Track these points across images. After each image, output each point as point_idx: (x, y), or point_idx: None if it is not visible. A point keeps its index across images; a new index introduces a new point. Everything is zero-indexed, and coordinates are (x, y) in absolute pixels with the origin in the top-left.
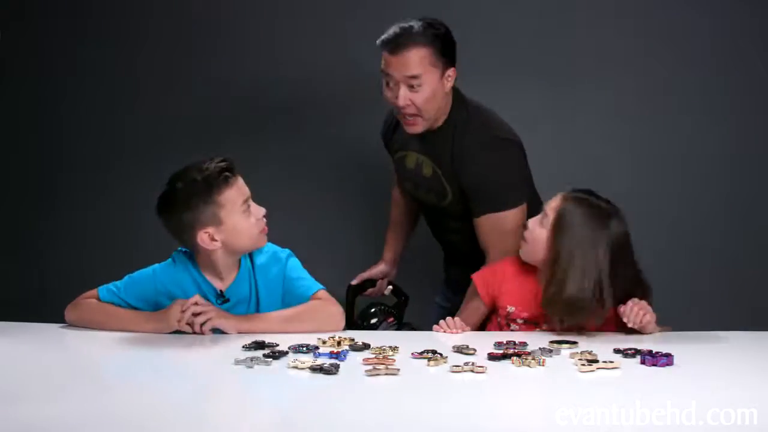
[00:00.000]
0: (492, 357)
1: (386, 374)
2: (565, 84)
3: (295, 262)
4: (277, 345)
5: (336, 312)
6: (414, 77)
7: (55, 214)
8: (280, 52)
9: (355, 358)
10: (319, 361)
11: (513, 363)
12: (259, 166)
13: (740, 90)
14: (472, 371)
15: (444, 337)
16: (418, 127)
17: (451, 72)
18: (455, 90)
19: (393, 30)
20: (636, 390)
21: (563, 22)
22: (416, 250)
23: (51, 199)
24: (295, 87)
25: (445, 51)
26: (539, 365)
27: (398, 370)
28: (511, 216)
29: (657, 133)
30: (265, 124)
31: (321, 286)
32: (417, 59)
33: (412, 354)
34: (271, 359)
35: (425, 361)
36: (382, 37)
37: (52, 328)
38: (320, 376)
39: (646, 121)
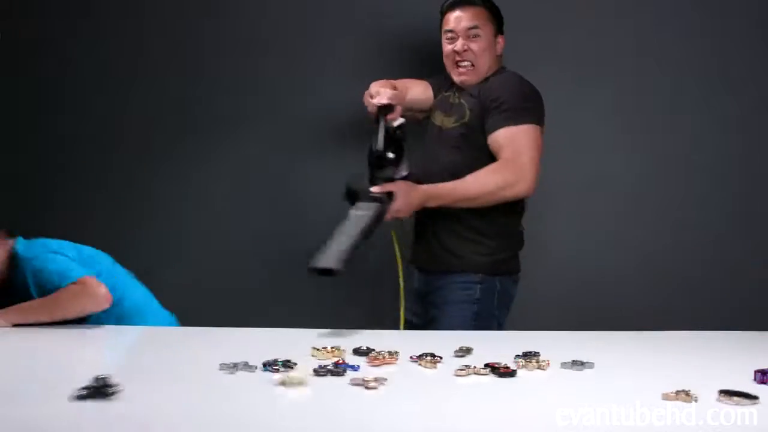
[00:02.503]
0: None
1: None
2: (566, 84)
3: (49, 256)
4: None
5: (99, 293)
6: (473, 27)
7: (55, 214)
8: (280, 51)
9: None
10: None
11: (519, 367)
12: (259, 165)
13: (742, 90)
14: (476, 374)
15: (444, 340)
16: (470, 76)
17: (500, 39)
18: (502, 65)
19: None
20: (636, 390)
21: (564, 22)
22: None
23: (51, 199)
24: (296, 86)
25: (497, 17)
26: (547, 367)
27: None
28: (527, 130)
29: (658, 134)
30: (265, 124)
31: (82, 274)
32: (475, 13)
33: (411, 357)
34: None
35: (424, 364)
36: (446, 2)
37: (52, 328)
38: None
39: (648, 122)
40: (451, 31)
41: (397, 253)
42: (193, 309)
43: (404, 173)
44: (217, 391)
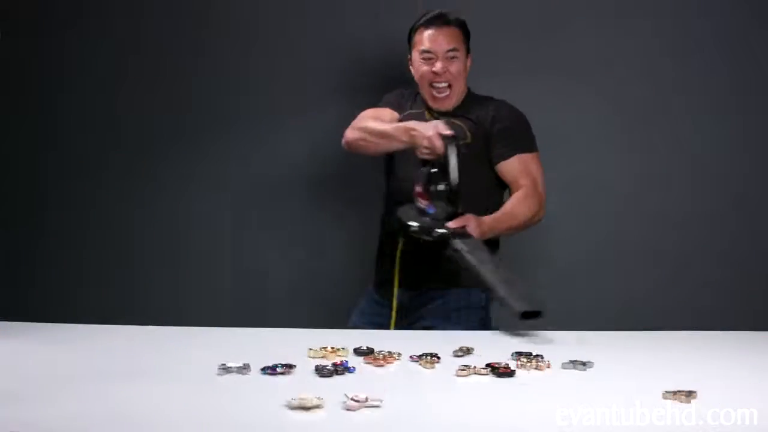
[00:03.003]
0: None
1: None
2: (567, 84)
3: None
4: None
5: None
6: (453, 50)
7: (55, 214)
8: (279, 51)
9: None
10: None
11: (518, 366)
12: (258, 166)
13: (744, 89)
14: (476, 374)
15: (443, 339)
16: (449, 101)
17: (469, 59)
18: (468, 87)
19: (432, 13)
20: (636, 390)
21: (564, 23)
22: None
23: (51, 198)
24: (296, 86)
25: (468, 37)
26: (547, 368)
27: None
28: (537, 158)
29: (660, 134)
30: (264, 124)
31: None
32: (453, 34)
33: (411, 357)
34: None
35: (424, 363)
36: (423, 18)
37: (52, 328)
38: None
39: (650, 121)
40: (428, 51)
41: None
42: (193, 309)
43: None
44: (214, 392)
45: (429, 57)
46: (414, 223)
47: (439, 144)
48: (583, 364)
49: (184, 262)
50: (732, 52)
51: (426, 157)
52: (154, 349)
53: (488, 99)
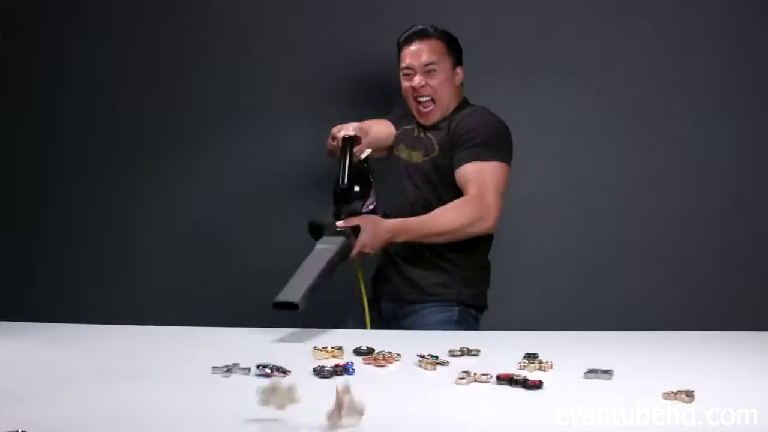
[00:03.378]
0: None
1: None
2: (567, 84)
3: None
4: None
5: None
6: (430, 63)
7: (56, 214)
8: (279, 51)
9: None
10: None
11: (520, 368)
12: (257, 165)
13: (743, 89)
14: (476, 381)
15: (443, 340)
16: (433, 115)
17: (459, 70)
18: (464, 98)
19: (413, 28)
20: (636, 390)
21: (564, 22)
22: None
23: (51, 198)
24: (297, 86)
25: (455, 49)
26: (550, 369)
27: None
28: (495, 168)
29: (660, 134)
30: (264, 124)
31: None
32: (432, 47)
33: (419, 357)
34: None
35: (424, 365)
36: (404, 34)
37: (52, 328)
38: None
39: (650, 121)
40: (407, 67)
41: (361, 284)
42: (193, 308)
43: (371, 207)
44: (214, 392)
45: (408, 72)
46: (313, 221)
47: (334, 143)
48: (606, 372)
49: (184, 262)
50: (732, 52)
51: (330, 154)
52: (154, 349)
53: (470, 108)
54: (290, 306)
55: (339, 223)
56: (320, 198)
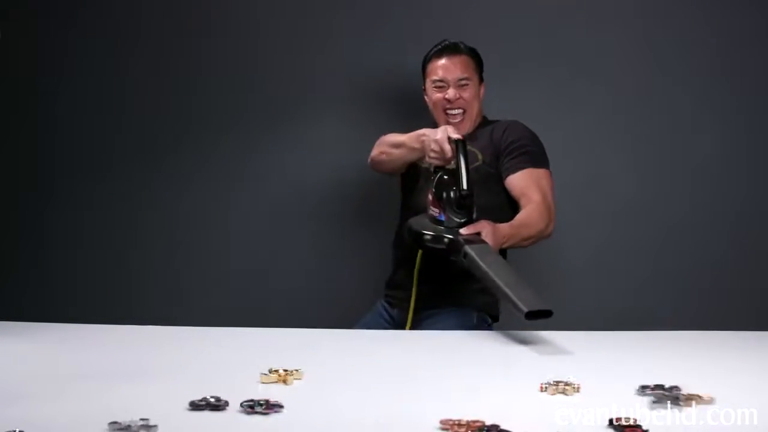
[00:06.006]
0: None
1: None
2: (567, 84)
3: None
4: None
5: None
6: (465, 78)
7: (55, 214)
8: (279, 50)
9: None
10: None
11: (543, 390)
12: (257, 165)
13: (742, 90)
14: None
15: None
16: (463, 126)
17: (482, 87)
18: (483, 114)
19: (444, 43)
20: (636, 390)
21: (564, 22)
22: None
23: (51, 198)
24: (297, 85)
25: (480, 66)
26: (575, 392)
27: None
28: (546, 175)
29: (659, 134)
30: (263, 123)
31: None
32: (464, 63)
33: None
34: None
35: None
36: (434, 49)
37: (52, 328)
38: None
39: (650, 121)
40: (440, 80)
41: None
42: (193, 308)
43: (475, 214)
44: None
45: (441, 85)
46: (427, 232)
47: (447, 147)
48: (677, 398)
49: (184, 262)
50: (733, 52)
51: (435, 162)
52: (154, 349)
53: (501, 121)
54: (544, 314)
55: (463, 231)
56: (321, 197)
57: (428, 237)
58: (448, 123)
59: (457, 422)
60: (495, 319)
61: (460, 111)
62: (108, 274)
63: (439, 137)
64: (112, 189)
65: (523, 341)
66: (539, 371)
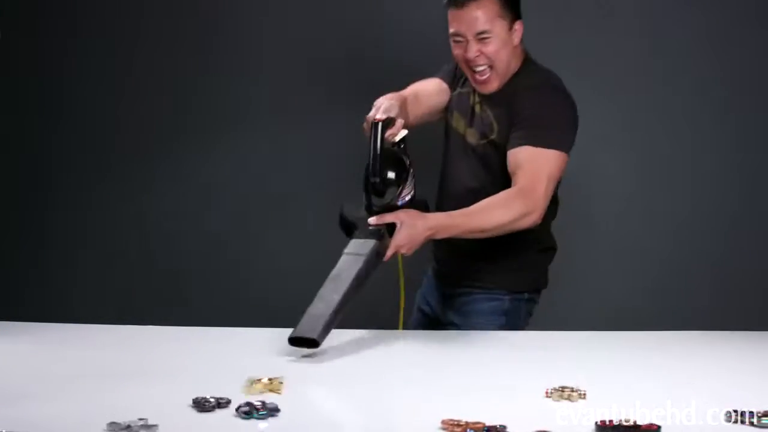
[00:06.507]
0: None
1: None
2: (567, 84)
3: None
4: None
5: None
6: (482, 32)
7: (55, 214)
8: (278, 49)
9: None
10: None
11: (549, 396)
12: (257, 166)
13: (742, 90)
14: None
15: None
16: (492, 84)
17: (518, 25)
18: (526, 55)
19: None
20: (636, 390)
21: (563, 22)
22: None
23: (51, 198)
24: (297, 85)
25: (510, 3)
26: (580, 398)
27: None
28: (550, 156)
29: (660, 134)
30: (263, 123)
31: None
32: (485, 12)
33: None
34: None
35: None
36: None
37: (52, 328)
38: None
39: (650, 121)
40: (457, 34)
41: (402, 284)
42: (193, 308)
43: (407, 198)
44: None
45: (459, 40)
46: (345, 215)
47: (366, 126)
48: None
49: (185, 261)
50: (733, 52)
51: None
52: (154, 349)
53: (533, 76)
54: (309, 342)
55: (371, 221)
56: (321, 198)
57: (340, 219)
58: (475, 79)
59: (457, 422)
60: (537, 291)
61: (485, 67)
62: (108, 274)
63: (369, 115)
64: (111, 189)
65: (525, 342)
66: (540, 373)
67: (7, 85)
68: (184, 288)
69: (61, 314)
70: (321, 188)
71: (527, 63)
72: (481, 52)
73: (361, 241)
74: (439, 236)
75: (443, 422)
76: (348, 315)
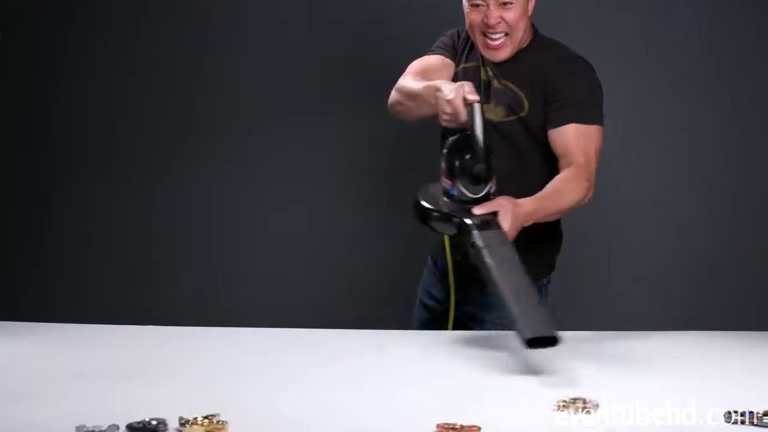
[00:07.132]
0: None
1: None
2: None
3: None
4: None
5: None
6: None
7: (55, 214)
8: (279, 49)
9: None
10: None
11: (559, 409)
12: (257, 165)
13: (742, 90)
14: None
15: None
16: (504, 51)
17: None
18: (534, 27)
19: None
20: (636, 390)
21: (563, 22)
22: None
23: (51, 198)
24: (297, 85)
25: None
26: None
27: None
28: (596, 133)
29: (659, 134)
30: (263, 123)
31: None
32: None
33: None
34: None
35: None
36: None
37: (52, 328)
38: None
39: (650, 122)
40: None
41: (451, 280)
42: (193, 308)
43: (494, 187)
44: (215, 392)
45: (478, 4)
46: (435, 210)
47: (461, 109)
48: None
49: (185, 261)
50: (733, 53)
51: (447, 125)
52: (155, 349)
53: (553, 48)
54: (549, 341)
55: (476, 210)
56: (322, 198)
57: (435, 217)
58: (486, 45)
59: (452, 426)
60: (550, 274)
61: (502, 34)
62: (108, 274)
63: (453, 97)
64: (111, 189)
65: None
66: (540, 374)
67: (7, 85)
68: (185, 288)
69: (62, 314)
70: (321, 189)
71: (537, 35)
72: (503, 19)
73: (488, 234)
74: (526, 222)
75: (438, 426)
76: (348, 315)
